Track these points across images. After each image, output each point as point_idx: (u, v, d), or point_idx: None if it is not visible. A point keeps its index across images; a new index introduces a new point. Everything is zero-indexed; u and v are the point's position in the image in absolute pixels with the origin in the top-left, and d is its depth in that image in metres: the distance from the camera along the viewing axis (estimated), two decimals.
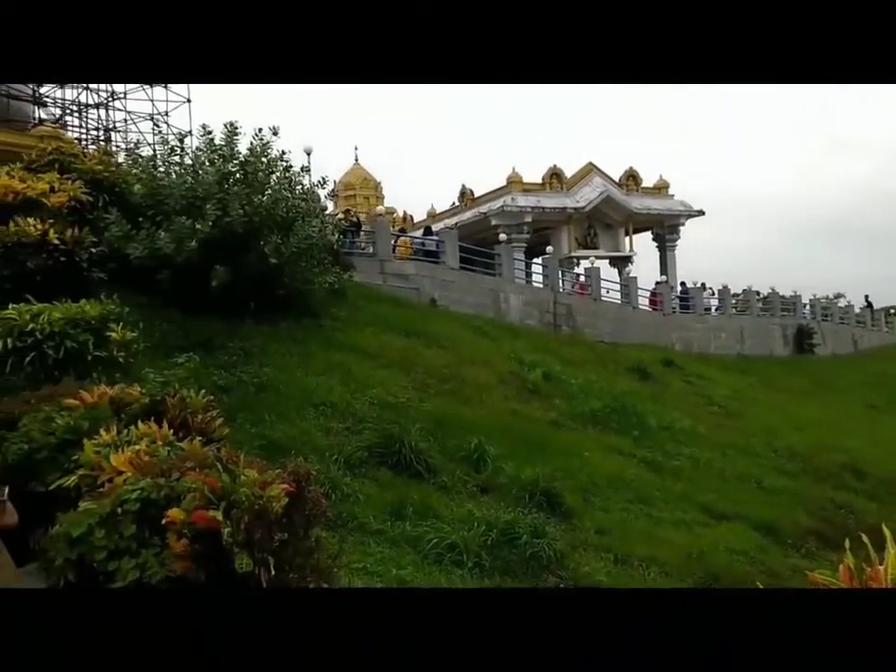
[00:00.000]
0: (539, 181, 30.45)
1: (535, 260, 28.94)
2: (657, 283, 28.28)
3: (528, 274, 25.89)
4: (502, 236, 25.82)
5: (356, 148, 36.01)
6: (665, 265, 31.84)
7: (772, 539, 10.23)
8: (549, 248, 28.04)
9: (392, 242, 20.16)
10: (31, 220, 9.26)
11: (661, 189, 32.62)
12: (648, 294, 26.47)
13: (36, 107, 26.37)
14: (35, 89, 26.44)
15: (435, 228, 26.67)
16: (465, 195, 32.45)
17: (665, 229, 32.18)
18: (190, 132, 23.83)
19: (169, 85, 26.45)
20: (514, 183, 29.69)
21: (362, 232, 20.95)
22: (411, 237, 24.50)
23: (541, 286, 23.73)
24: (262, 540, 3.05)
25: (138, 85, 26.53)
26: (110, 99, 26.83)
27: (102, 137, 25.18)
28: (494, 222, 28.88)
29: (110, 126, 26.71)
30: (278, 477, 3.52)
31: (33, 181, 10.85)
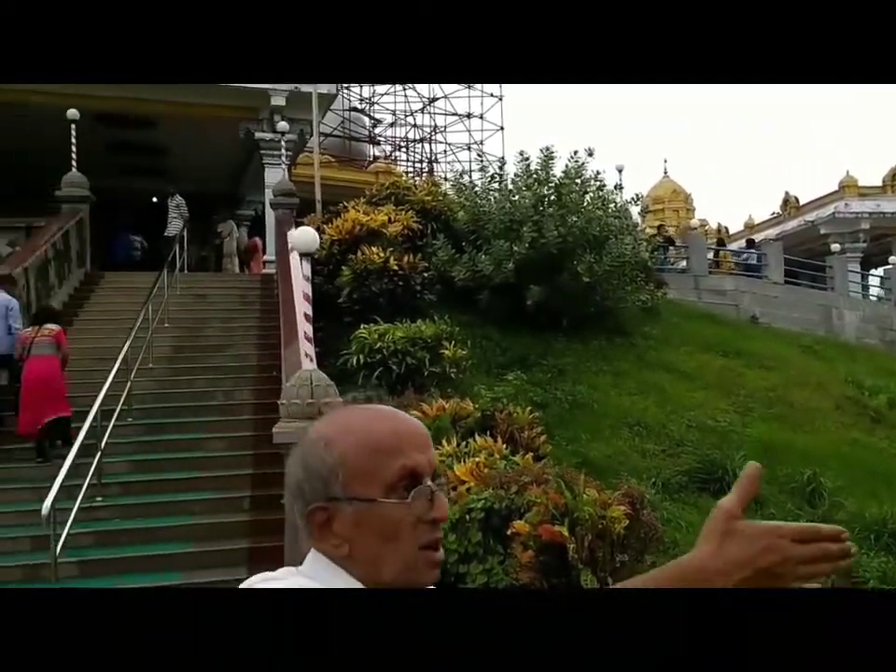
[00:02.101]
0: (879, 184, 27.14)
1: (874, 272, 25.79)
2: None
3: (865, 288, 23.14)
4: (834, 246, 23.38)
5: (665, 161, 35.19)
6: None
7: None
8: (892, 259, 24.83)
9: (708, 256, 19.27)
10: (374, 249, 10.38)
11: None
12: None
13: (372, 146, 29.65)
14: (370, 129, 29.72)
15: (754, 239, 24.99)
16: (788, 203, 30.02)
17: None
18: (503, 157, 25.07)
19: (484, 115, 28.13)
20: (848, 187, 26.78)
21: (672, 248, 20.34)
22: (728, 251, 23.22)
23: (883, 300, 21.08)
24: (604, 560, 3.05)
25: (457, 117, 28.59)
26: (433, 133, 29.21)
27: (426, 168, 27.49)
28: (823, 231, 26.30)
29: (433, 158, 29.07)
30: (615, 498, 3.50)
31: (374, 213, 12.17)
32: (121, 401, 8.13)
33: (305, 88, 15.25)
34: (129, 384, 8.48)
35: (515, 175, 12.86)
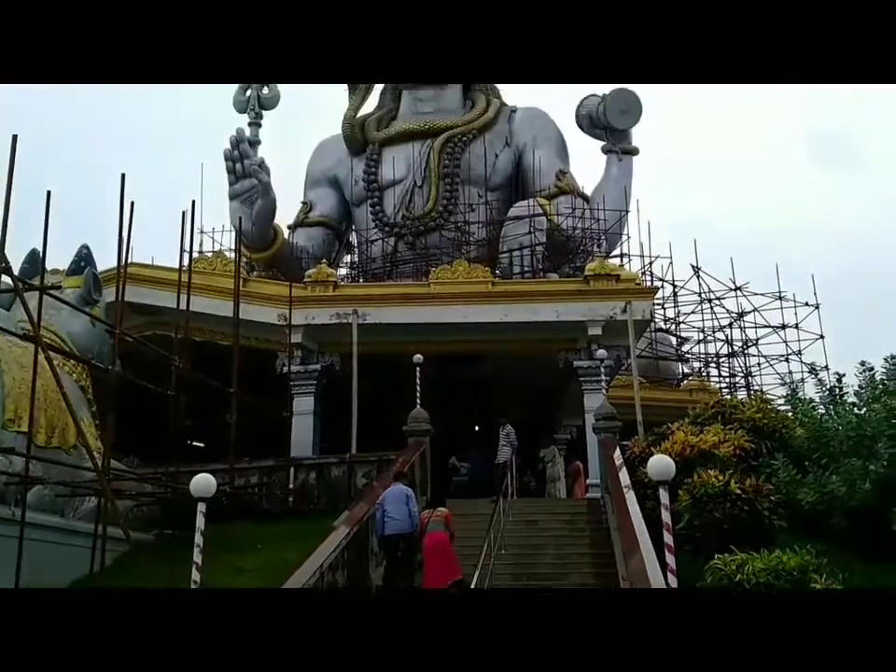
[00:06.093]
0: None
1: None
2: None
3: None
4: None
5: None
6: None
7: None
8: None
9: None
10: (711, 472, 10.05)
11: None
12: None
13: (680, 364, 29.54)
14: (677, 348, 29.78)
15: None
16: None
17: None
18: (827, 366, 23.39)
19: (800, 325, 26.87)
20: None
21: None
22: None
23: None
24: None
25: (770, 329, 27.64)
26: (745, 347, 28.44)
27: (742, 383, 26.56)
28: None
29: (747, 371, 28.06)
30: None
31: (703, 434, 11.89)
32: None
33: (621, 317, 16.05)
34: None
35: (860, 386, 11.95)
